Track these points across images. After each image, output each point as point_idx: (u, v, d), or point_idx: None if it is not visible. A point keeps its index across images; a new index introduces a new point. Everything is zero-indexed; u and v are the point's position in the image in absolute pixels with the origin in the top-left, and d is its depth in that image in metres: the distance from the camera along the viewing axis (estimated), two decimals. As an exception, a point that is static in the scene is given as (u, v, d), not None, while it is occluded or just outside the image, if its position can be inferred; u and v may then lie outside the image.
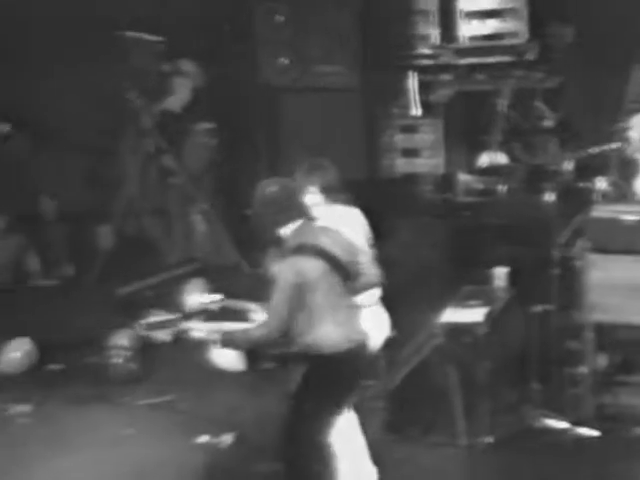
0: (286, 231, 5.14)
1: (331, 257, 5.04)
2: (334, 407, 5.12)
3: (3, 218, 9.23)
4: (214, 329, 5.15)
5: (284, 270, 4.98)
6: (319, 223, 5.33)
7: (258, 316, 5.24)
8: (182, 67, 9.59)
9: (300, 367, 5.13)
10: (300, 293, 4.96)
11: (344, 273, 5.10)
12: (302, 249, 5.04)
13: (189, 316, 5.30)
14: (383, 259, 5.58)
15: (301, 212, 5.20)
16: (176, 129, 9.57)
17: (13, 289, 9.15)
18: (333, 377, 5.05)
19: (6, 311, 8.03)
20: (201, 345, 7.13)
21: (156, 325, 5.24)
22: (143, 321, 5.26)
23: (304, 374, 5.11)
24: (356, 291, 5.27)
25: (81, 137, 9.70)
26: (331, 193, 5.69)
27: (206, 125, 9.57)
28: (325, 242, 5.08)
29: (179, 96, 9.63)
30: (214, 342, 5.15)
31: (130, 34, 9.30)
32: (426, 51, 9.22)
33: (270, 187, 5.18)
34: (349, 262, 5.15)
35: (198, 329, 5.19)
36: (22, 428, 6.85)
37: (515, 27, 8.92)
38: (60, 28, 9.04)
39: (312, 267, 4.99)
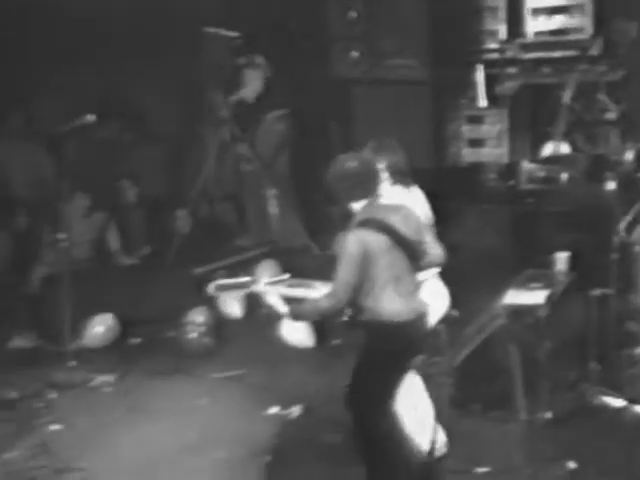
0: (358, 206, 5.15)
1: (396, 233, 5.03)
2: (395, 376, 5.17)
3: (88, 197, 9.37)
4: (284, 292, 5.17)
5: (348, 241, 4.98)
6: (391, 200, 5.33)
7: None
8: (255, 60, 9.72)
9: (363, 341, 5.15)
10: (363, 264, 4.95)
11: (409, 250, 5.09)
12: (368, 223, 5.03)
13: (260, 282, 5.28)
14: (450, 243, 5.61)
15: (376, 188, 5.18)
16: (250, 118, 9.68)
17: (97, 268, 9.30)
18: (392, 346, 5.09)
19: (90, 288, 8.13)
20: (272, 320, 7.48)
21: (227, 286, 5.23)
22: (215, 282, 5.26)
23: (365, 346, 5.14)
24: (420, 269, 5.28)
25: (163, 126, 9.88)
26: (397, 173, 5.70)
27: (278, 112, 9.64)
28: (393, 219, 5.07)
29: (252, 87, 9.73)
30: (283, 314, 5.16)
31: (209, 30, 9.45)
32: (494, 46, 9.26)
33: (349, 161, 5.14)
34: (415, 241, 5.15)
35: (269, 292, 5.17)
36: (106, 397, 7.03)
37: (580, 23, 8.90)
38: (144, 24, 9.22)
39: (374, 240, 4.98)
